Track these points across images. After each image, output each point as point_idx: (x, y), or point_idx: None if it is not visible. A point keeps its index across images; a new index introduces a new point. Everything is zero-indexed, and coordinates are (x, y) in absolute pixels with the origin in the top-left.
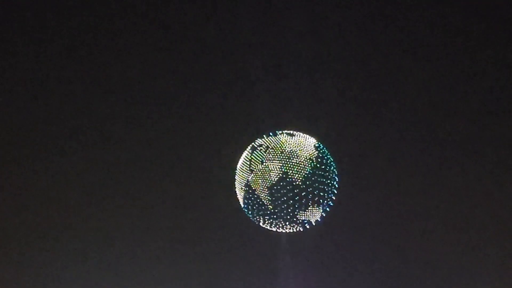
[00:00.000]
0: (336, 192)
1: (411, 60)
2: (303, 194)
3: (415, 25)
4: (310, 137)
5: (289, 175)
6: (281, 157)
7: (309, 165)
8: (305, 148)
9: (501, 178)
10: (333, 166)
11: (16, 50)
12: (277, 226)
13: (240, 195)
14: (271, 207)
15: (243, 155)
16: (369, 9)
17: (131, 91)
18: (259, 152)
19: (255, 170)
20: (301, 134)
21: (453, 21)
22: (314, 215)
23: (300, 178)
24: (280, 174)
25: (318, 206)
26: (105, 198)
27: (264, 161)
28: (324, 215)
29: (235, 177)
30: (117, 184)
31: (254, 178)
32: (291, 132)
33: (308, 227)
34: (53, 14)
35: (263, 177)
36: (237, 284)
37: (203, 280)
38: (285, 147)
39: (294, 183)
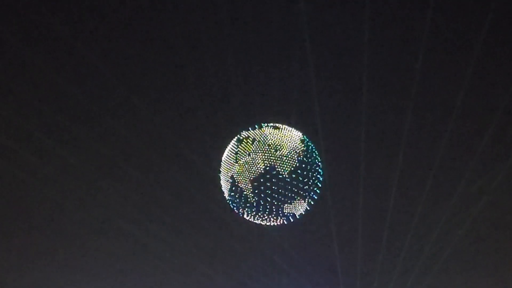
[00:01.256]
0: (320, 185)
1: (399, 55)
2: (288, 187)
3: (404, 21)
4: (295, 130)
5: (276, 168)
6: (268, 150)
7: (296, 159)
8: (291, 142)
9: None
10: (318, 159)
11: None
12: (261, 219)
13: (225, 187)
14: (256, 199)
15: (228, 147)
16: (355, 4)
17: (118, 86)
18: (246, 145)
19: (241, 162)
20: (287, 127)
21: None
22: (299, 208)
23: (287, 171)
24: (266, 167)
25: (303, 199)
26: (94, 193)
27: (251, 153)
28: (308, 208)
29: (220, 169)
30: (102, 179)
31: (240, 170)
32: (276, 125)
33: (292, 220)
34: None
35: (250, 169)
36: (222, 275)
37: (187, 272)
38: (271, 140)
39: (281, 176)
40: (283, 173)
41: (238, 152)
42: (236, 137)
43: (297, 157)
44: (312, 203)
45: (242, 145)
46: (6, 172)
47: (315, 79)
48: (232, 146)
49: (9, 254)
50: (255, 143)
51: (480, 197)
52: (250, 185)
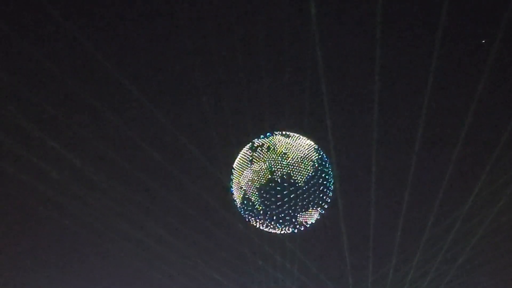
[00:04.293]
0: (331, 195)
1: (410, 61)
2: (304, 195)
3: (416, 28)
4: (307, 139)
5: (292, 176)
6: (284, 158)
7: (311, 167)
8: (306, 150)
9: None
10: (330, 169)
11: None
12: (273, 227)
13: (237, 195)
14: (269, 207)
15: (240, 154)
16: (367, 10)
17: (132, 91)
18: (261, 152)
19: (256, 170)
20: (300, 136)
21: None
22: (312, 216)
23: (303, 180)
24: (283, 175)
25: (316, 208)
26: (103, 196)
27: (266, 161)
28: (318, 217)
29: (232, 177)
30: (114, 184)
31: (254, 178)
32: (289, 133)
33: (302, 229)
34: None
35: (265, 177)
36: (232, 282)
37: (196, 277)
38: (286, 149)
39: (297, 185)
40: (299, 181)
41: (253, 159)
42: (249, 145)
43: (312, 165)
44: (323, 212)
45: (257, 152)
46: (8, 172)
47: (325, 88)
48: (246, 153)
49: (12, 255)
50: (270, 150)
51: (494, 202)
52: (263, 193)
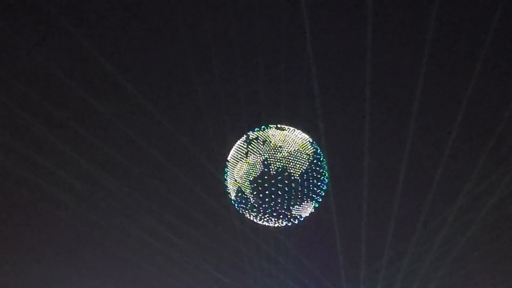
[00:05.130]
0: (325, 188)
1: (404, 57)
2: (299, 188)
3: (407, 24)
4: (301, 132)
5: (287, 169)
6: (279, 151)
7: (307, 161)
8: (301, 144)
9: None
10: (324, 162)
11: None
12: (267, 220)
13: (232, 188)
14: (263, 200)
15: (235, 147)
16: (361, 5)
17: (125, 87)
18: (256, 145)
19: (251, 163)
20: (294, 129)
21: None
22: (306, 210)
23: (298, 173)
24: (278, 168)
25: (311, 201)
26: (99, 193)
27: (261, 154)
28: (313, 211)
29: (227, 170)
30: (107, 179)
31: (249, 171)
32: (283, 127)
33: (296, 222)
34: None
35: (260, 170)
36: (226, 276)
37: (191, 272)
38: (281, 142)
39: (292, 178)
40: (295, 174)
41: (248, 152)
42: (243, 138)
43: (307, 159)
44: (317, 205)
45: (252, 145)
46: (11, 172)
47: (317, 83)
48: (241, 146)
49: (12, 255)
50: (265, 143)
51: (486, 198)
52: (258, 186)
